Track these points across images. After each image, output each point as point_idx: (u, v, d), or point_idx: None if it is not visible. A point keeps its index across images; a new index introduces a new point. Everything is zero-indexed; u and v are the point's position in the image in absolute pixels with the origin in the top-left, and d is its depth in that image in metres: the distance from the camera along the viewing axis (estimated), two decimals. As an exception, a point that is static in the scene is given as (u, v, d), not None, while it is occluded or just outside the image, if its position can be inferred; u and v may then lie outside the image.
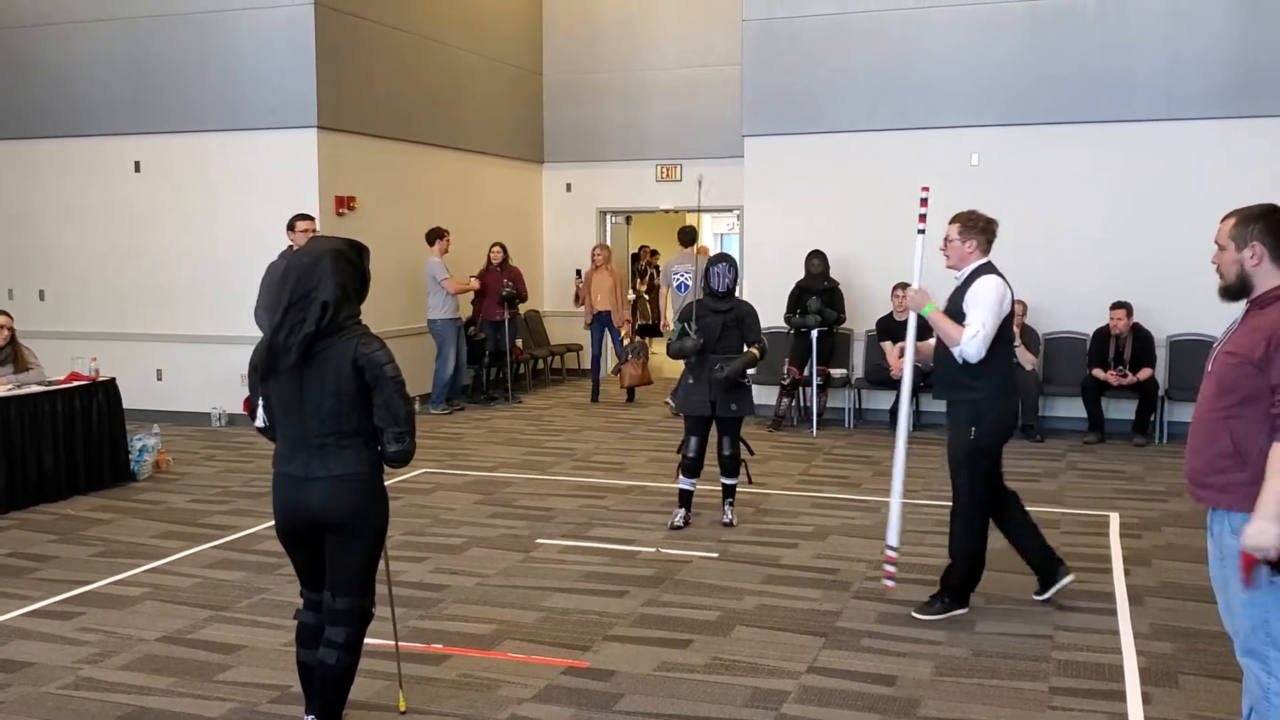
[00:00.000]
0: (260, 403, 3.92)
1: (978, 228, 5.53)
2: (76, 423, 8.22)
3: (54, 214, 11.52)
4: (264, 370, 3.79)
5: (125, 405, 8.77)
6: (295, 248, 7.61)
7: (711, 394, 7.01)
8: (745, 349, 7.03)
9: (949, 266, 5.62)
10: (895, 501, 5.55)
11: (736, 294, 7.22)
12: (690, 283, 11.71)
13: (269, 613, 5.56)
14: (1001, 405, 5.49)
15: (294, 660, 4.21)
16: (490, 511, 7.61)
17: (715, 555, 6.55)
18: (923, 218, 5.57)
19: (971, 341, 5.25)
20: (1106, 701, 4.51)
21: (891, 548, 5.48)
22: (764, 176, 11.41)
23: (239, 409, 10.88)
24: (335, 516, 3.82)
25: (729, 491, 7.28)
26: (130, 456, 8.72)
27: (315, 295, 3.71)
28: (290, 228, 8.17)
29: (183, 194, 11.01)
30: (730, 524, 7.17)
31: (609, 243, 14.57)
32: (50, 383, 8.21)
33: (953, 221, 5.61)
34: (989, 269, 5.47)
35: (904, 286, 10.53)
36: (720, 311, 7.04)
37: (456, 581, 6.08)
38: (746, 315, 7.08)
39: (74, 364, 8.54)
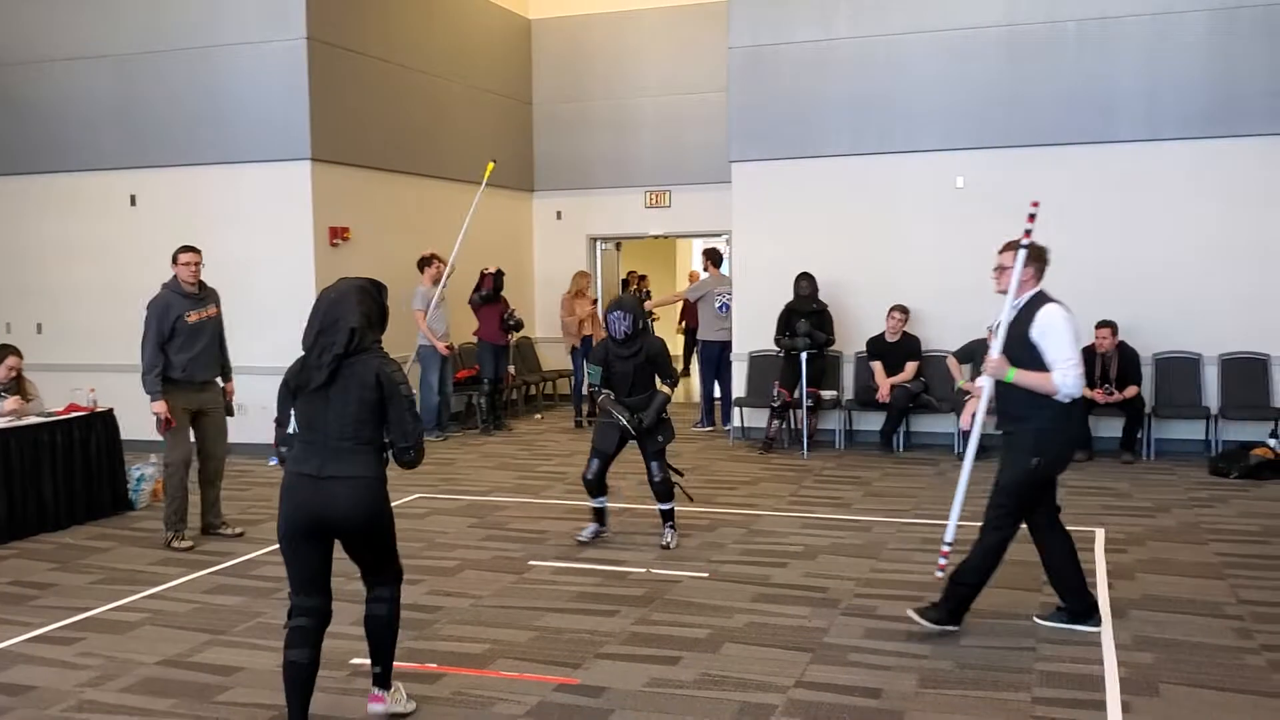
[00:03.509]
0: (289, 415, 4.39)
1: (1034, 255, 5.47)
2: (75, 453, 8.33)
3: (51, 248, 11.65)
4: (297, 385, 4.32)
5: (125, 436, 8.87)
6: (179, 279, 7.50)
7: (629, 436, 7.23)
8: (659, 386, 7.17)
9: (999, 291, 5.57)
10: (957, 502, 5.82)
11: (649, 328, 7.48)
12: (730, 303, 11.83)
13: (266, 636, 5.66)
14: (1066, 433, 5.48)
15: (291, 681, 4.33)
16: (483, 535, 7.72)
17: (705, 575, 6.65)
18: (1028, 233, 5.42)
19: (1066, 378, 5.22)
20: (1088, 711, 4.61)
21: (947, 543, 5.70)
22: (751, 201, 11.57)
23: (235, 438, 10.97)
24: (356, 520, 4.31)
25: (668, 516, 7.37)
26: (129, 486, 8.82)
27: (342, 322, 4.28)
28: (173, 260, 7.60)
29: (178, 227, 11.04)
30: (668, 546, 7.21)
31: (599, 269, 14.74)
32: (49, 414, 8.32)
33: (1006, 249, 5.57)
34: (1046, 297, 5.47)
35: (901, 310, 10.75)
36: (628, 356, 7.12)
37: (450, 603, 6.18)
38: (656, 354, 7.17)
39: (72, 395, 8.64)
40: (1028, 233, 5.43)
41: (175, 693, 4.95)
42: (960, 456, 10.26)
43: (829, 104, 11.26)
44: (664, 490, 7.31)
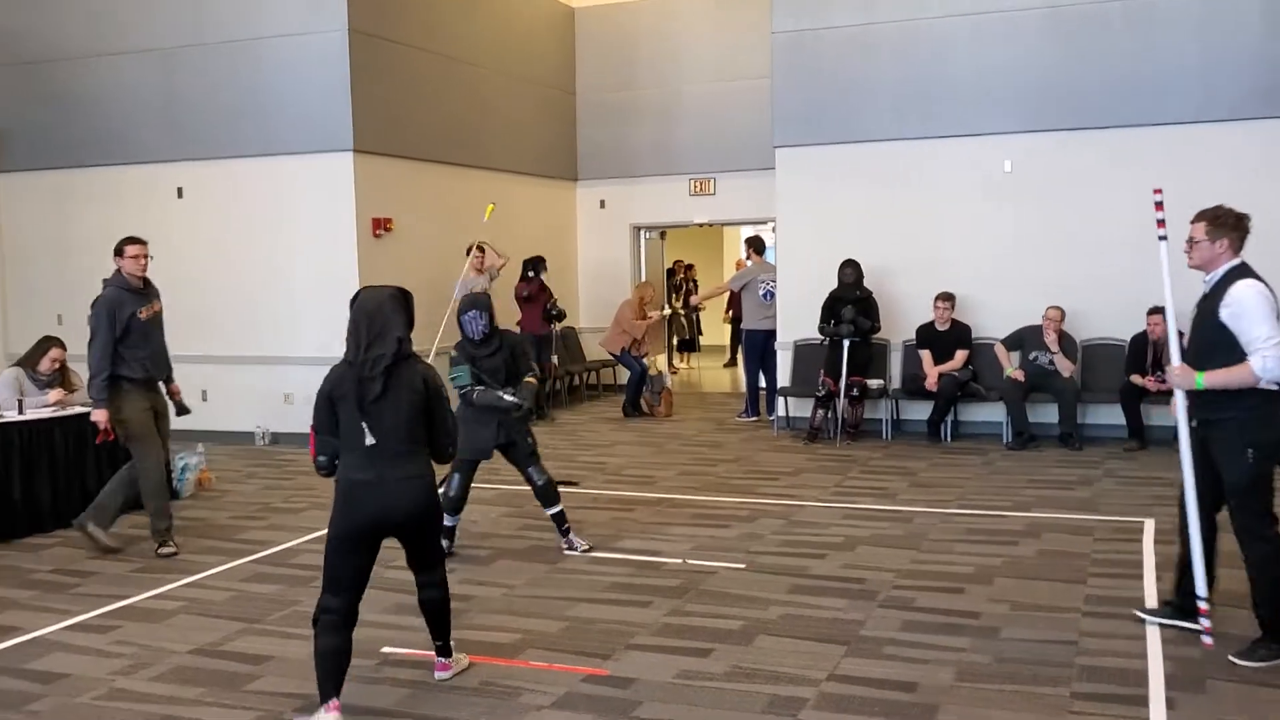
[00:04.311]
0: (332, 426, 4.45)
1: (1228, 224, 4.94)
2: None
3: (102, 241, 11.63)
4: (357, 398, 4.36)
5: (172, 426, 8.92)
6: (123, 273, 7.02)
7: (500, 435, 6.75)
8: (524, 380, 6.80)
9: (1193, 267, 5.09)
10: (1195, 540, 5.07)
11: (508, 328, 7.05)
12: (774, 290, 11.71)
13: (299, 624, 5.65)
14: (1274, 419, 4.88)
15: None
16: (519, 524, 7.68)
17: (742, 566, 6.55)
18: (1161, 222, 5.06)
19: (1268, 362, 4.67)
20: (1129, 706, 4.47)
21: (1202, 598, 5.04)
22: (795, 187, 11.43)
23: (281, 428, 11.09)
24: (418, 518, 4.48)
25: (561, 520, 6.98)
26: (173, 475, 8.88)
27: (389, 332, 4.39)
28: (118, 253, 7.11)
29: (224, 219, 11.24)
30: (575, 549, 6.90)
31: (643, 258, 14.66)
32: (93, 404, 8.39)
33: (1198, 219, 5.04)
34: (1244, 270, 4.91)
35: (946, 298, 10.56)
36: (490, 354, 6.75)
37: (483, 592, 6.15)
38: (515, 347, 6.85)
39: (115, 385, 8.71)
40: (1160, 222, 5.05)
41: (205, 681, 4.96)
42: (1009, 446, 10.11)
43: (873, 88, 11.08)
44: (551, 494, 6.91)
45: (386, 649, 5.24)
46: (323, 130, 10.72)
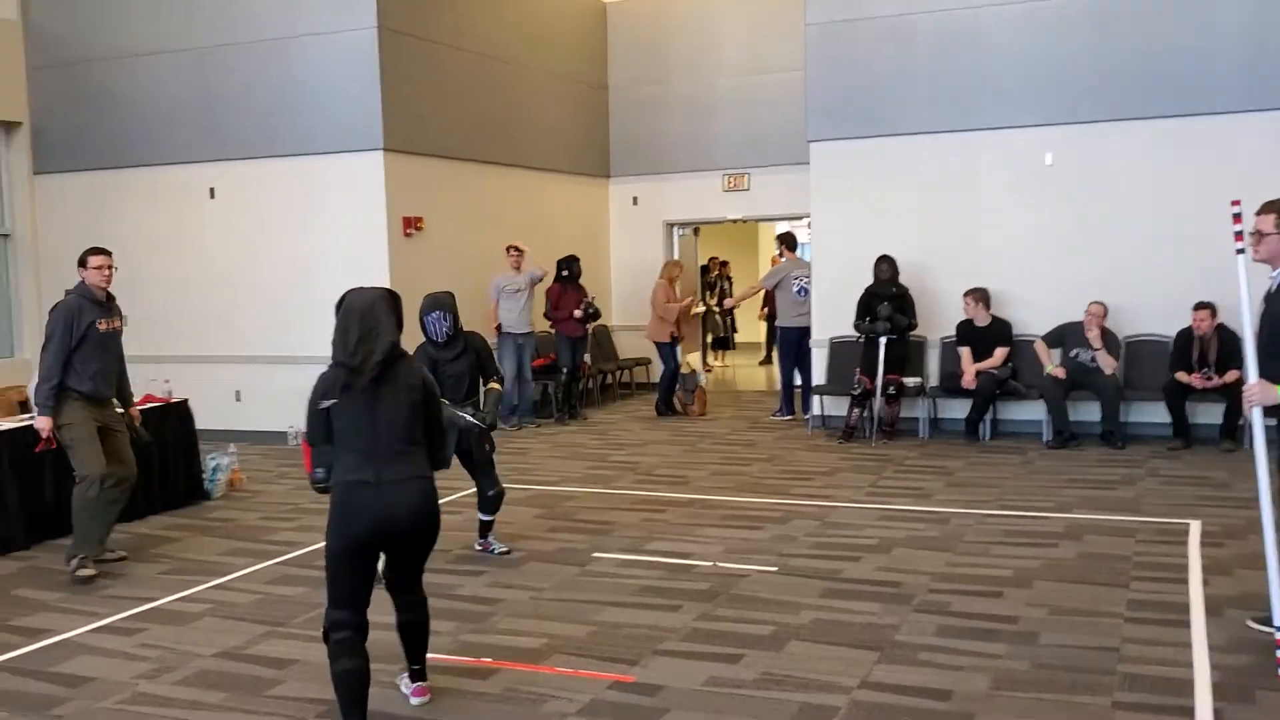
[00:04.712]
0: (325, 435, 4.30)
1: None
2: (151, 443, 8.39)
3: (136, 241, 11.81)
4: (350, 398, 4.22)
5: (207, 426, 8.96)
6: (88, 284, 6.83)
7: (464, 443, 6.57)
8: (487, 386, 6.63)
9: (1259, 260, 4.90)
10: (1273, 564, 4.62)
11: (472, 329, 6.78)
12: (810, 287, 11.58)
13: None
14: None
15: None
16: (550, 525, 7.60)
17: (774, 569, 6.43)
18: (1240, 235, 4.73)
19: None
20: (1173, 717, 4.31)
21: (1278, 628, 4.63)
22: (830, 181, 11.26)
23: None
24: (421, 521, 4.31)
25: (490, 526, 6.89)
26: (204, 476, 8.90)
27: (380, 330, 4.25)
28: (82, 264, 6.90)
29: (256, 219, 11.25)
30: (492, 551, 6.82)
31: (676, 255, 14.55)
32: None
33: (1266, 211, 4.86)
34: None
35: (975, 294, 10.37)
36: (454, 358, 6.51)
37: (511, 595, 6.07)
38: (481, 350, 6.62)
39: (148, 386, 8.74)
40: (1239, 235, 4.75)
41: (228, 686, 4.91)
42: (1050, 445, 9.91)
43: (910, 80, 10.89)
44: (495, 505, 6.79)
45: (411, 653, 5.17)
46: (353, 129, 10.69)
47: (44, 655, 5.36)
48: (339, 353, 4.26)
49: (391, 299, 4.40)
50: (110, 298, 7.00)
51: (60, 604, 6.19)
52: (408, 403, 4.28)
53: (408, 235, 10.89)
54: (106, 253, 6.98)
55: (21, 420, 7.77)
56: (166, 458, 8.52)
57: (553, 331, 12.31)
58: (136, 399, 8.50)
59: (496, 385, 6.71)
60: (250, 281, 11.25)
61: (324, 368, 4.40)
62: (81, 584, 6.51)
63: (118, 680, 5.01)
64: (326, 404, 4.25)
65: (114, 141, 11.79)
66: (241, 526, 7.94)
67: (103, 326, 6.83)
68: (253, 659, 5.24)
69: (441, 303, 6.48)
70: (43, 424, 6.65)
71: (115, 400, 7.13)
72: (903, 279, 10.56)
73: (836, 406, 11.14)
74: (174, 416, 8.65)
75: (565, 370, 12.15)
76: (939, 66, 10.77)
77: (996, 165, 10.68)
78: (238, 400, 11.34)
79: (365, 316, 4.26)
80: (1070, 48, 10.34)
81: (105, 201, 11.92)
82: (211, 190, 11.43)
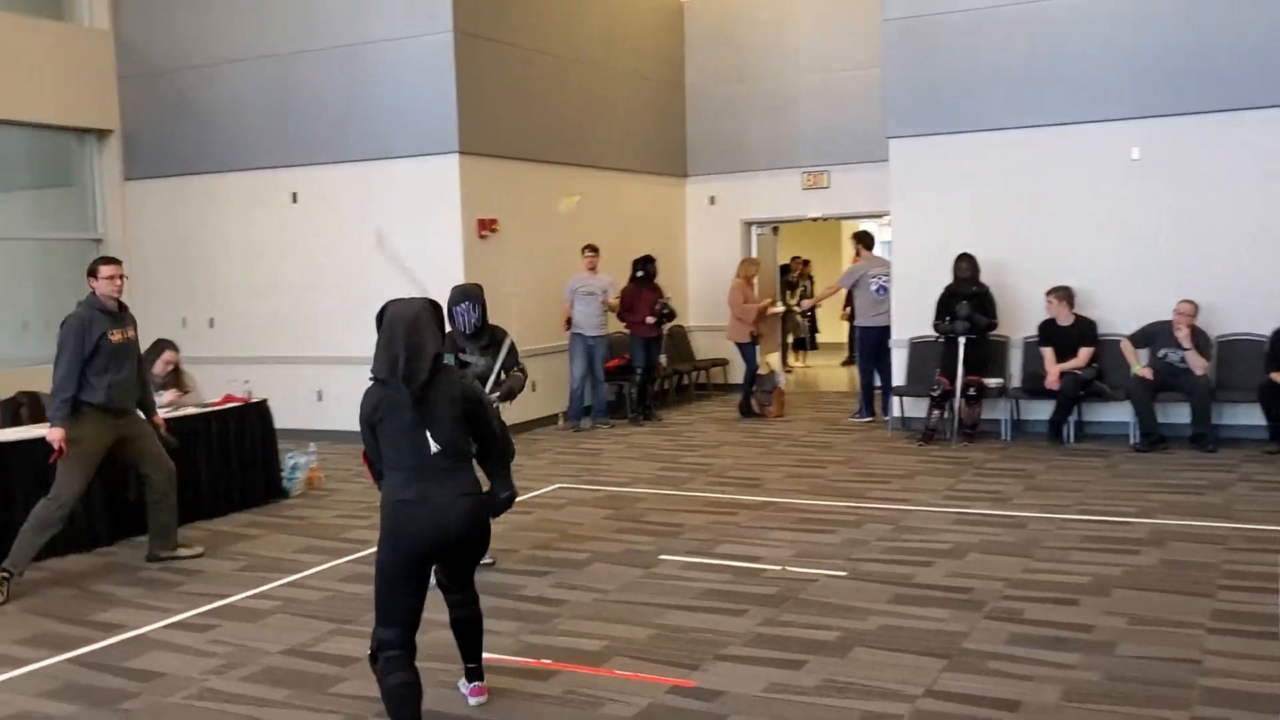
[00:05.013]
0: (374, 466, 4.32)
1: None
2: (230, 442, 8.58)
3: (220, 245, 12.12)
4: (396, 417, 4.13)
5: (289, 426, 9.10)
6: (98, 294, 6.70)
7: None
8: (512, 372, 6.51)
9: None
10: None
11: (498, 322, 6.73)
12: (888, 285, 11.42)
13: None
14: None
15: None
16: (618, 527, 7.57)
17: (844, 574, 6.31)
18: None
19: None
20: (1256, 734, 4.12)
21: None
22: (909, 178, 11.06)
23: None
24: (472, 536, 4.27)
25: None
26: (282, 474, 9.04)
27: (425, 346, 4.16)
28: (92, 273, 6.76)
29: (335, 222, 11.41)
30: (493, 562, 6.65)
31: (754, 255, 14.44)
32: (205, 405, 8.59)
33: None
34: None
35: (1058, 292, 10.09)
36: (483, 349, 6.46)
37: (575, 596, 6.05)
38: (508, 342, 6.54)
39: (229, 387, 8.92)
40: None
41: (293, 683, 4.97)
42: (1137, 447, 9.60)
43: (991, 74, 10.64)
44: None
45: (473, 654, 5.17)
46: (429, 133, 10.79)
47: (118, 650, 5.48)
48: (383, 370, 4.15)
49: (434, 309, 4.31)
50: (122, 307, 6.88)
51: (137, 600, 6.32)
52: (451, 416, 4.19)
53: (482, 237, 10.96)
54: (117, 262, 6.88)
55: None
56: (246, 456, 8.68)
57: (627, 332, 12.28)
58: (217, 398, 8.77)
59: (520, 374, 6.60)
60: (329, 284, 11.41)
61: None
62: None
63: (187, 676, 5.09)
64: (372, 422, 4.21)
65: (199, 148, 12.07)
66: (317, 524, 8.05)
67: (115, 338, 6.71)
68: (318, 656, 5.30)
69: (470, 294, 6.48)
70: (55, 435, 6.50)
71: (144, 408, 7.08)
72: (984, 277, 10.32)
73: (916, 408, 10.94)
74: (253, 416, 8.81)
75: (639, 371, 12.12)
76: (1021, 59, 10.50)
77: (1081, 160, 10.38)
78: (319, 400, 11.52)
79: (410, 331, 4.16)
80: (1159, 37, 10.00)
81: (191, 206, 12.21)
82: (294, 195, 11.63)
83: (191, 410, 8.39)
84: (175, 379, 8.59)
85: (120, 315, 6.83)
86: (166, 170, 12.25)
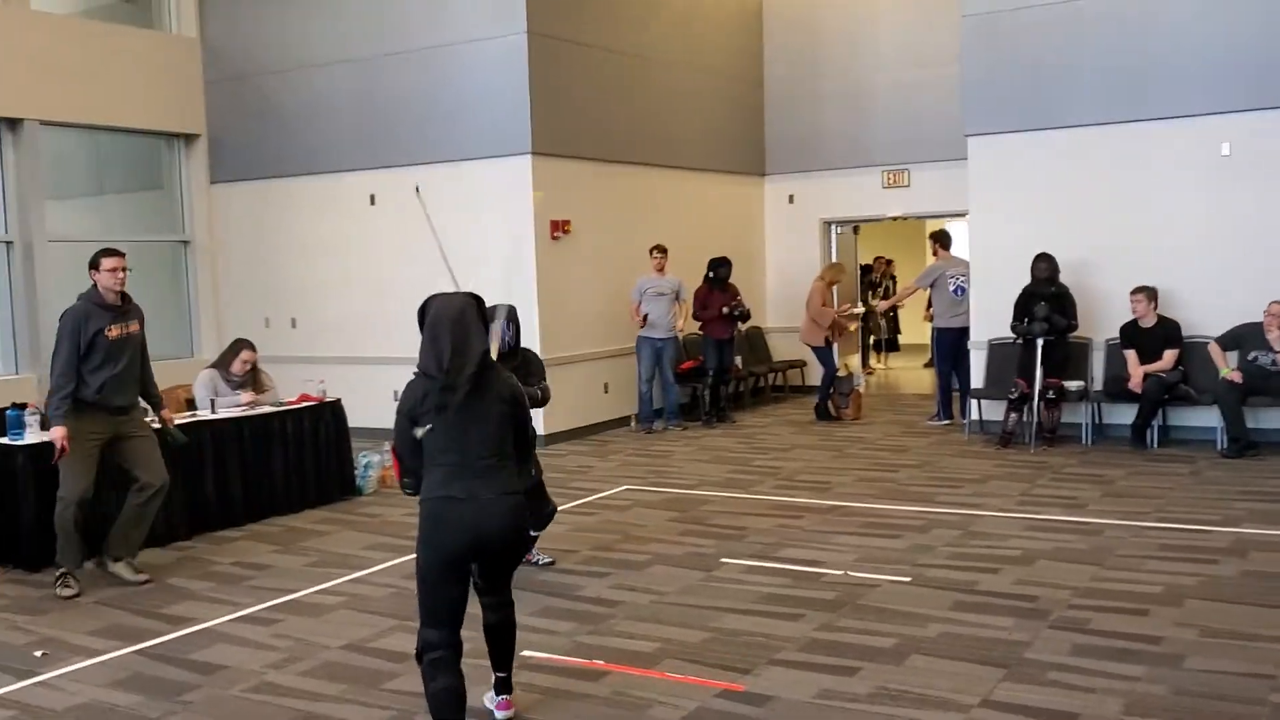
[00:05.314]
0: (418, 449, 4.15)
1: None
2: (305, 441, 8.74)
3: (301, 247, 12.36)
4: (442, 414, 4.08)
5: (366, 425, 9.23)
6: (99, 288, 6.54)
7: None
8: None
9: None
10: None
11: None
12: (967, 285, 11.25)
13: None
14: None
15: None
16: (681, 529, 7.53)
17: (908, 579, 6.20)
18: None
19: None
20: (1327, 755, 3.95)
21: None
22: (988, 177, 10.84)
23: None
24: (512, 536, 4.22)
25: (535, 540, 6.62)
26: (356, 472, 9.19)
27: (472, 341, 4.13)
28: (94, 265, 6.56)
29: (412, 224, 11.55)
30: (535, 562, 6.63)
31: (834, 254, 14.29)
32: (281, 404, 8.77)
33: None
34: None
35: (1143, 291, 9.80)
36: (514, 369, 6.14)
37: (632, 598, 6.03)
38: (532, 363, 6.49)
39: (304, 386, 9.09)
40: None
41: (349, 678, 5.04)
42: (1224, 453, 9.28)
43: (1072, 69, 10.37)
44: (547, 522, 6.56)
45: (526, 652, 5.18)
46: (503, 134, 10.88)
47: (185, 643, 5.61)
48: (430, 366, 4.10)
49: (479, 304, 4.26)
50: (125, 299, 6.69)
51: (208, 594, 6.47)
52: (498, 416, 4.15)
53: (555, 238, 11.01)
54: (120, 254, 6.64)
55: (186, 417, 8.19)
56: (320, 455, 8.84)
57: (701, 334, 12.22)
58: (293, 397, 8.94)
59: (538, 392, 6.45)
60: (407, 285, 11.51)
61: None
62: (64, 601, 6.39)
63: (248, 669, 5.20)
64: (420, 432, 4.09)
65: (281, 151, 12.34)
66: (387, 522, 8.16)
67: (112, 333, 6.54)
68: (376, 652, 5.36)
69: (508, 314, 6.42)
70: (56, 434, 6.37)
71: (147, 404, 6.95)
72: (1065, 278, 10.06)
73: (995, 411, 10.70)
74: (327, 415, 8.96)
75: (712, 373, 12.06)
76: (1103, 53, 10.22)
77: (1167, 157, 10.06)
78: (395, 400, 11.64)
79: (456, 326, 4.12)
80: (1250, 28, 9.64)
81: (273, 209, 12.49)
82: (371, 197, 11.82)
83: (267, 409, 8.56)
84: (252, 378, 8.77)
85: (122, 309, 6.64)
86: (250, 173, 12.55)
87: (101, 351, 6.49)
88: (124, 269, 6.61)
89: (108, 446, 6.66)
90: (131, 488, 6.74)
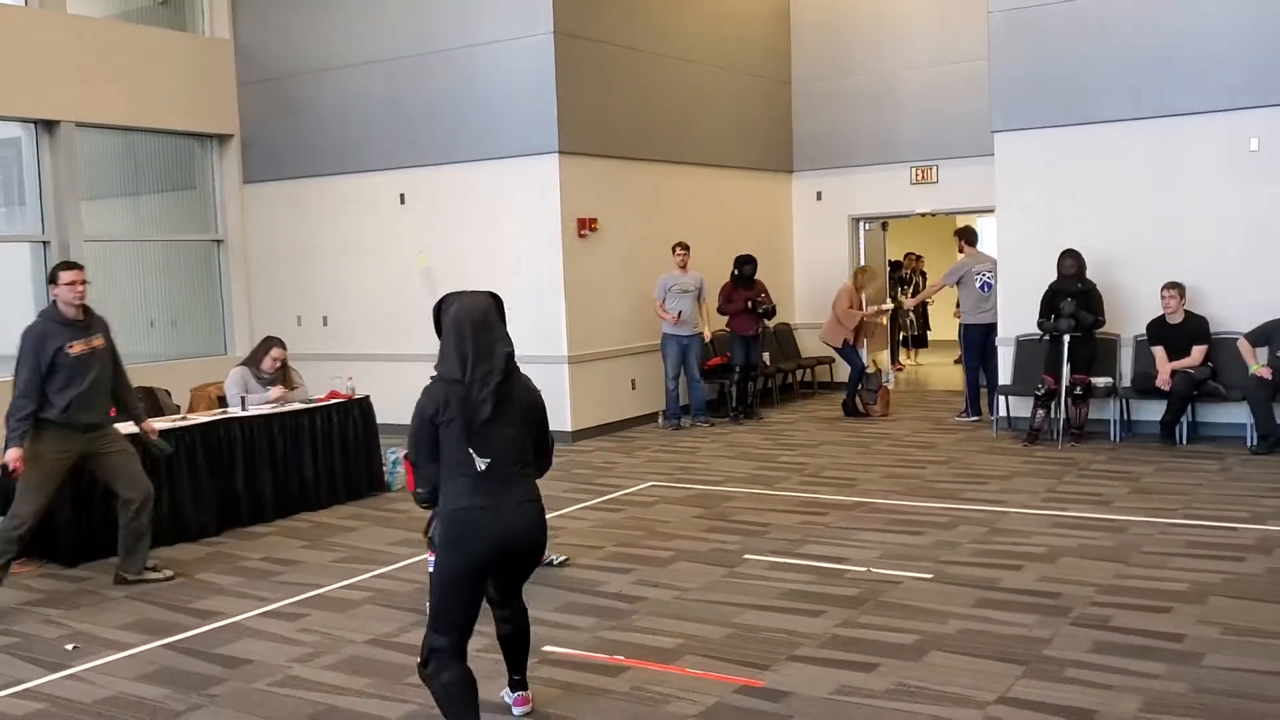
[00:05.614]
0: (433, 454, 4.02)
1: None
2: (334, 437, 8.84)
3: (333, 246, 12.48)
4: (466, 420, 3.94)
5: (396, 422, 9.27)
6: (59, 303, 6.30)
7: None
8: None
9: None
10: None
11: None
12: (993, 282, 11.22)
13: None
14: None
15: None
16: (706, 525, 7.57)
17: (929, 576, 6.21)
18: None
19: None
20: (1347, 753, 3.93)
21: None
22: (1015, 173, 10.79)
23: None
24: (536, 544, 4.20)
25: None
26: (385, 469, 9.28)
27: (496, 346, 4.00)
28: (52, 280, 6.32)
29: (441, 223, 11.66)
30: (550, 562, 6.59)
31: (863, 251, 14.26)
32: (310, 400, 8.87)
33: None
34: None
35: (1174, 287, 9.73)
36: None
37: (655, 594, 6.07)
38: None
39: (332, 383, 9.19)
40: None
41: (373, 672, 5.11)
42: (1254, 450, 9.20)
43: (1100, 64, 10.30)
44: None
45: (548, 647, 5.24)
46: (530, 133, 10.94)
47: (212, 637, 5.71)
48: (452, 370, 3.95)
49: (500, 304, 4.14)
50: (88, 313, 6.41)
51: (236, 589, 6.57)
52: (521, 424, 4.05)
53: (582, 236, 11.06)
54: (79, 267, 6.35)
55: (216, 415, 8.31)
56: (348, 451, 8.93)
57: (728, 330, 12.24)
58: (321, 395, 9.04)
59: None
60: (437, 283, 11.64)
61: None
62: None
63: (273, 663, 5.28)
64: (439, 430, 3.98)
65: (312, 151, 12.46)
66: (415, 518, 8.20)
67: (74, 350, 6.26)
68: (399, 647, 5.43)
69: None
70: (11, 455, 6.11)
71: (129, 418, 6.82)
72: (1092, 274, 10.00)
73: (1022, 408, 10.66)
74: (356, 411, 9.06)
75: (738, 369, 12.07)
76: (1131, 49, 10.14)
77: (1195, 152, 9.99)
78: (425, 397, 11.75)
79: (479, 328, 3.97)
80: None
81: (304, 208, 12.61)
82: (401, 196, 11.92)
83: (297, 406, 8.67)
84: (282, 375, 8.88)
85: (84, 324, 6.37)
86: (282, 173, 12.69)
87: (65, 370, 6.24)
88: (83, 282, 6.33)
89: (82, 463, 6.51)
90: (117, 505, 6.61)
